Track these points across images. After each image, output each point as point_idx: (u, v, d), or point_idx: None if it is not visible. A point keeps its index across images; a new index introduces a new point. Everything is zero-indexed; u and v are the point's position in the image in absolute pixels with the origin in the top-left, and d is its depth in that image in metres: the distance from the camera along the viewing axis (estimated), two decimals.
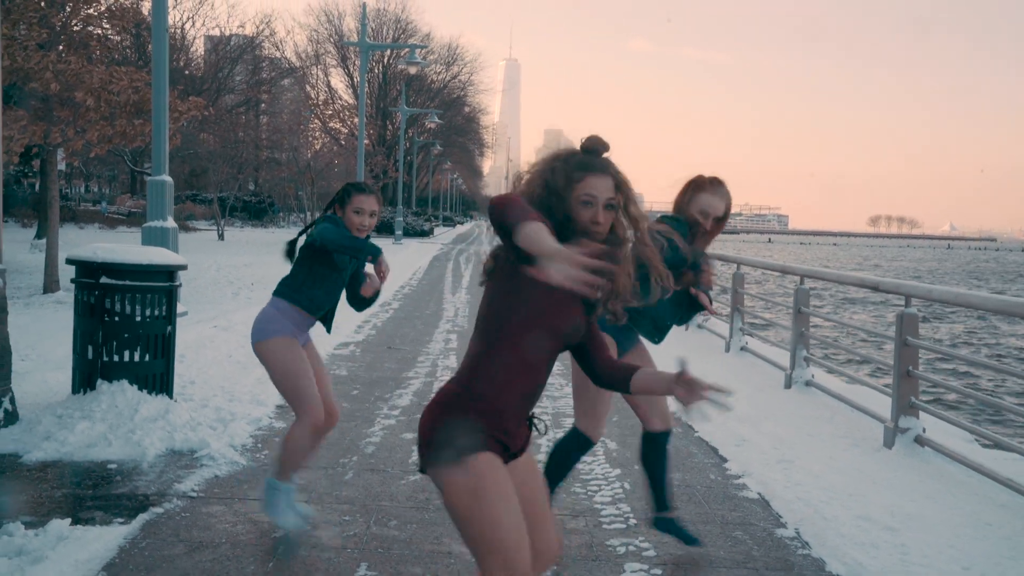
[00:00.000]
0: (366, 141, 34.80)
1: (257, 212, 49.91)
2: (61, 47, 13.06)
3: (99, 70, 12.90)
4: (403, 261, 25.72)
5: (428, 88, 58.73)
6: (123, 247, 6.10)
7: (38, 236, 23.91)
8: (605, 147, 2.66)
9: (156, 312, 6.05)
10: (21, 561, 3.62)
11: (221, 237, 34.49)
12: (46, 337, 9.01)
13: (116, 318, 5.90)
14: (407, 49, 29.68)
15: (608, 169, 2.61)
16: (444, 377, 8.48)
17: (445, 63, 60.22)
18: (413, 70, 25.55)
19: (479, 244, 45.76)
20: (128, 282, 5.90)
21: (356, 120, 46.55)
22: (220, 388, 7.05)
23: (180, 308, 8.60)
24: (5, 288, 5.85)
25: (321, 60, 52.12)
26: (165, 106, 10.04)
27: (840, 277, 7.51)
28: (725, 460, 6.03)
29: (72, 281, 6.05)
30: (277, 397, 7.05)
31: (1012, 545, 4.51)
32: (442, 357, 9.76)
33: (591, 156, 2.64)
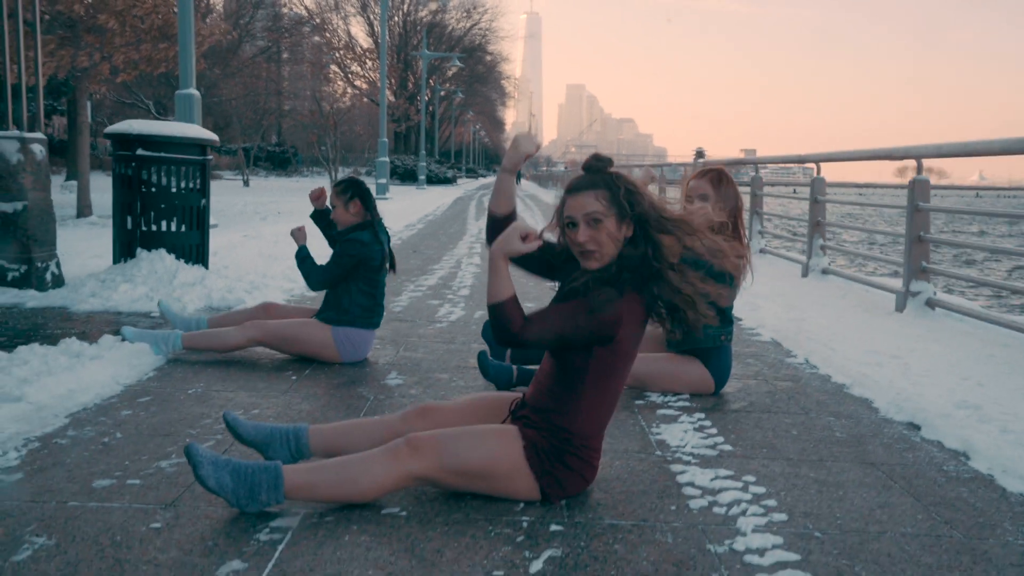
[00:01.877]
0: (387, 92, 34.87)
1: (281, 162, 50.19)
2: None
3: None
4: (426, 200, 25.96)
5: (449, 36, 58.38)
6: (158, 122, 6.34)
7: (68, 179, 24.35)
8: (595, 164, 2.62)
9: (191, 184, 6.31)
10: (81, 359, 3.91)
11: (247, 184, 34.77)
12: (85, 242, 9.33)
13: (153, 189, 6.17)
14: None
15: (590, 185, 2.56)
16: (469, 271, 8.72)
17: (465, 9, 59.82)
18: (434, 5, 25.42)
19: None
20: (163, 154, 6.16)
21: (377, 70, 46.52)
22: (252, 269, 7.32)
23: (211, 220, 8.88)
24: (47, 159, 6.12)
25: (340, 8, 51.89)
26: (191, 18, 10.21)
27: (853, 154, 7.62)
28: (740, 319, 6.23)
29: (109, 155, 6.31)
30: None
31: (1011, 368, 4.68)
32: (466, 258, 10.00)
33: (580, 176, 2.64)
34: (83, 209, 14.00)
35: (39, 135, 6.12)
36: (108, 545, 2.23)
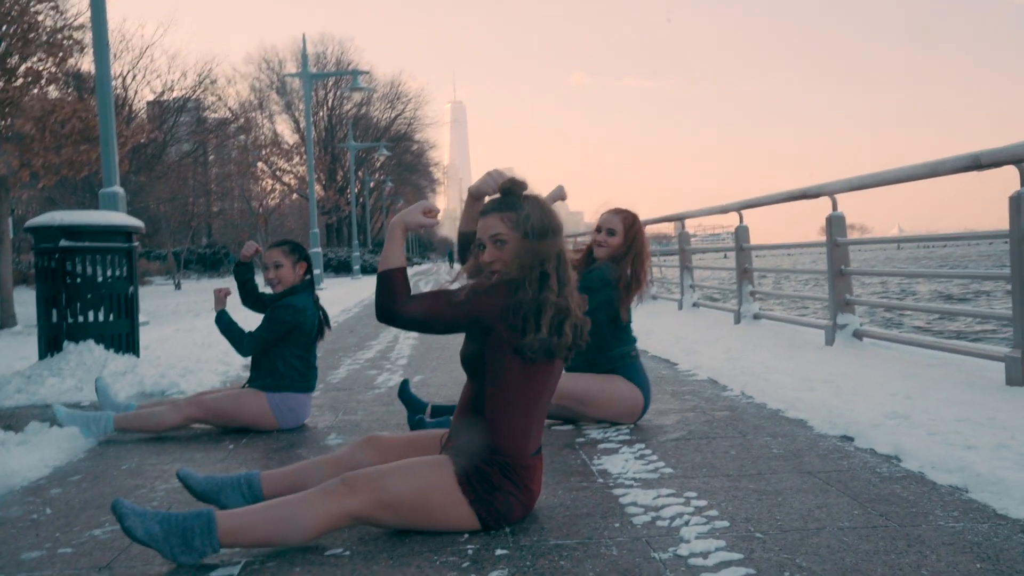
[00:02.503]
0: (317, 186, 35.18)
1: (213, 263, 49.63)
2: (0, 81, 13.17)
3: (41, 98, 13.03)
4: (362, 287, 25.89)
5: (375, 127, 59.13)
6: (81, 212, 6.30)
7: None
8: (509, 187, 2.71)
9: (117, 272, 6.24)
10: (6, 446, 3.80)
11: (178, 287, 34.31)
12: (10, 349, 9.09)
13: (78, 279, 6.08)
14: (351, 77, 30.01)
15: (499, 208, 2.66)
16: (407, 344, 8.71)
17: (389, 101, 60.77)
18: (358, 96, 25.84)
19: (438, 276, 46.09)
20: (88, 243, 6.10)
21: (304, 164, 46.80)
22: (186, 356, 7.21)
23: (141, 318, 8.73)
24: None
25: (265, 107, 52.36)
26: (111, 115, 10.22)
27: (771, 198, 7.89)
28: (676, 364, 6.33)
29: (32, 249, 6.22)
30: (242, 361, 7.25)
31: (936, 383, 4.84)
32: (403, 335, 9.99)
33: (493, 200, 2.74)
34: (6, 320, 13.65)
35: None
36: None
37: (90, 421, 4.16)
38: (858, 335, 6.65)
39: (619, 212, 4.24)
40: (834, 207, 6.87)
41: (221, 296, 4.48)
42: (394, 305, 2.54)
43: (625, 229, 4.23)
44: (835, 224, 6.88)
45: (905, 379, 4.99)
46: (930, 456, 3.26)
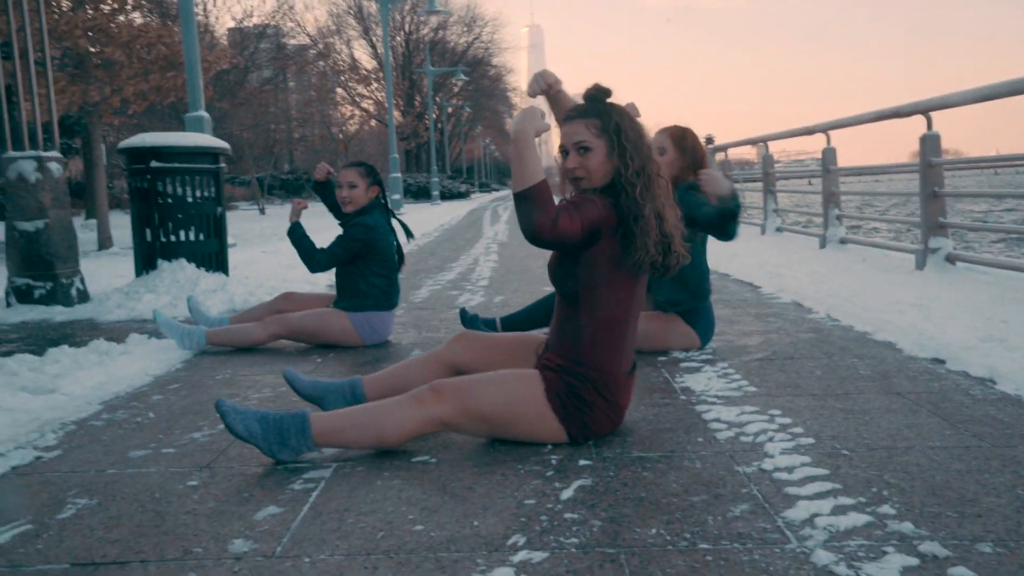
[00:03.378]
0: (395, 112, 35.18)
1: (295, 189, 50.51)
2: (89, 8, 13.44)
3: (127, 24, 13.27)
4: (441, 212, 26.11)
5: (452, 52, 58.63)
6: (169, 134, 6.45)
7: (87, 217, 24.65)
8: (593, 94, 2.64)
9: (206, 193, 6.40)
10: (111, 355, 3.99)
11: (262, 212, 35.05)
12: (109, 267, 9.46)
13: (169, 200, 6.26)
14: (426, 1, 29.72)
15: (583, 114, 2.61)
16: (487, 266, 8.76)
17: (466, 24, 60.04)
18: (435, 20, 25.60)
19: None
20: (177, 164, 6.25)
21: (383, 90, 46.85)
22: (272, 276, 7.40)
23: (229, 240, 8.97)
24: (65, 178, 6.23)
25: (343, 33, 52.27)
26: (195, 41, 10.36)
27: (860, 118, 7.60)
28: (759, 287, 6.23)
29: (124, 170, 6.40)
30: (327, 279, 7.41)
31: None
32: (483, 256, 10.05)
33: (577, 105, 2.67)
34: (104, 242, 14.19)
35: (56, 154, 6.24)
36: (148, 501, 2.27)
37: (184, 334, 4.33)
38: (951, 259, 6.44)
39: (665, 129, 4.09)
40: (928, 126, 6.59)
41: (297, 208, 4.57)
42: (547, 222, 2.40)
43: (675, 142, 4.02)
44: (929, 143, 6.61)
45: (1001, 304, 4.82)
46: None
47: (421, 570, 1.81)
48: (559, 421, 2.59)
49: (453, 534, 1.99)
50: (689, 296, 4.04)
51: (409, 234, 4.69)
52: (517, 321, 4.29)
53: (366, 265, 4.45)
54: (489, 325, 4.31)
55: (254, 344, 4.42)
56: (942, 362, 3.61)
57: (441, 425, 2.56)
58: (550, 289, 6.65)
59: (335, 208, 4.80)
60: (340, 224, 4.71)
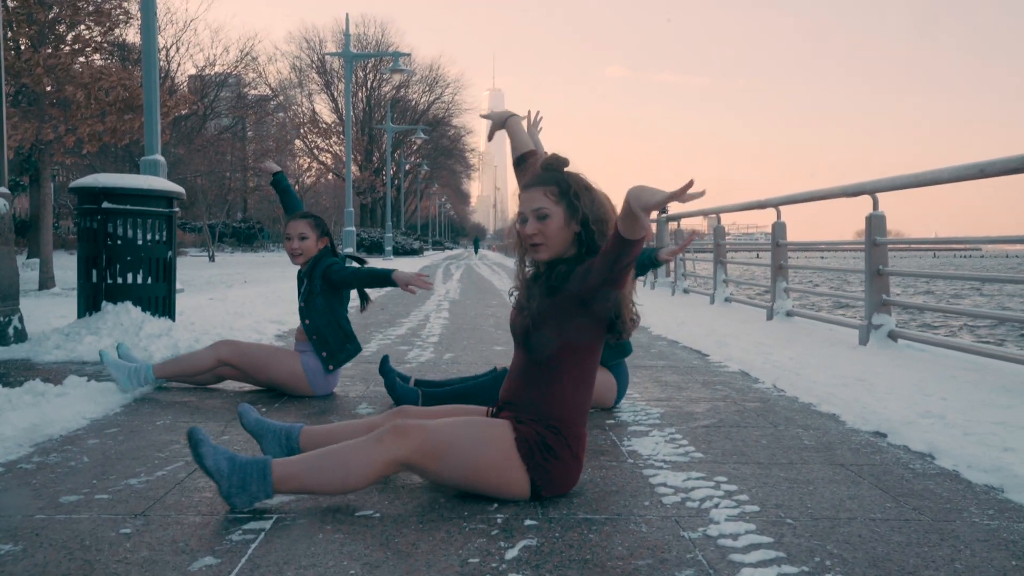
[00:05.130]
0: (353, 166, 35.21)
1: (247, 237, 50.14)
2: (49, 47, 13.35)
3: (88, 65, 13.19)
4: (394, 266, 26.07)
5: (413, 110, 59.26)
6: (124, 175, 6.37)
7: (29, 256, 24.14)
8: (550, 163, 2.73)
9: (157, 237, 6.31)
10: (46, 396, 3.86)
11: (212, 259, 34.68)
12: (49, 308, 9.24)
13: (119, 242, 6.16)
14: (391, 58, 30.07)
15: (541, 182, 2.67)
16: (437, 323, 8.73)
17: (428, 84, 60.86)
18: (398, 78, 25.90)
19: (469, 259, 46.21)
20: (129, 206, 6.16)
21: (342, 144, 47.03)
22: (220, 324, 7.29)
23: (177, 286, 8.85)
24: (11, 214, 6.10)
25: (304, 86, 52.61)
26: (155, 83, 10.33)
27: (811, 194, 7.81)
28: (708, 355, 6.30)
29: (74, 209, 6.30)
30: (275, 329, 7.33)
31: (972, 386, 4.77)
32: (434, 313, 10.02)
33: (536, 174, 2.75)
34: (46, 282, 13.87)
35: (3, 190, 6.12)
36: (77, 549, 2.19)
37: (131, 372, 4.24)
38: (893, 336, 6.58)
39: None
40: (875, 206, 6.79)
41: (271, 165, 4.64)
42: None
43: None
44: (875, 223, 6.80)
45: (941, 381, 4.92)
46: (965, 455, 3.23)
47: None
48: (525, 471, 2.57)
49: None
50: (614, 352, 4.10)
51: (362, 263, 4.64)
52: (436, 395, 4.05)
53: (343, 306, 4.43)
54: (404, 381, 4.15)
55: (201, 371, 4.34)
56: (883, 435, 3.66)
57: (404, 466, 2.54)
58: (500, 348, 6.65)
59: (289, 193, 4.80)
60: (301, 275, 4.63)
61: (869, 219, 6.81)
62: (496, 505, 2.58)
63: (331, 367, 4.38)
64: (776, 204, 8.65)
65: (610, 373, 4.15)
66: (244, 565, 2.09)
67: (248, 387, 4.58)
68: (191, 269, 23.90)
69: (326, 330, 4.38)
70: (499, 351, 6.56)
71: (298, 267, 4.58)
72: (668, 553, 2.22)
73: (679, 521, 2.48)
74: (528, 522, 2.44)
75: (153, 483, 2.78)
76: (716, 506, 2.63)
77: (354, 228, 26.47)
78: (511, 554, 2.19)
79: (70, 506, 2.54)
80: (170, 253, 6.41)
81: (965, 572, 2.12)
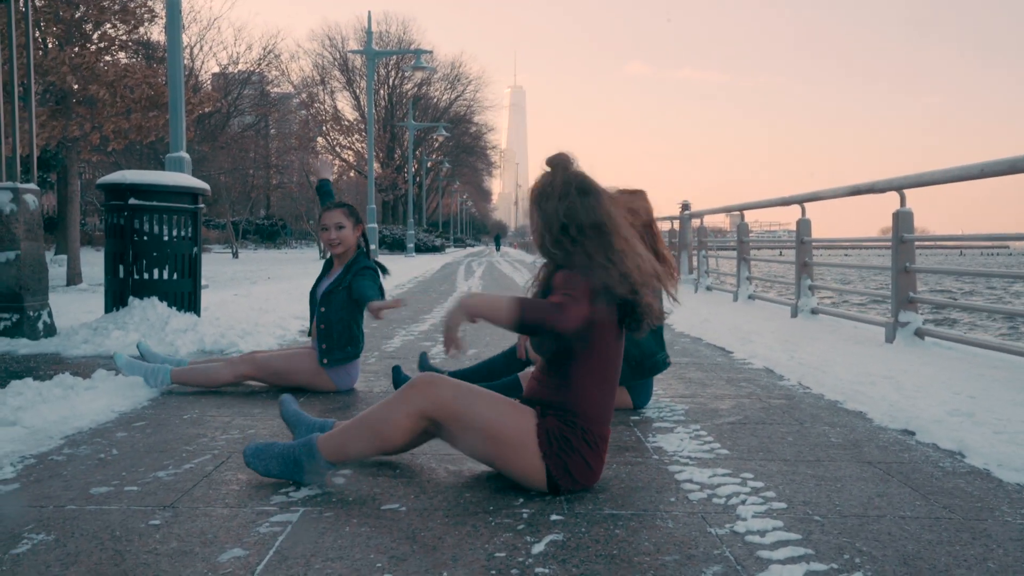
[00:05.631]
0: (375, 164, 35.25)
1: (270, 235, 50.47)
2: (76, 46, 13.48)
3: (113, 64, 13.31)
4: (416, 264, 26.16)
5: (434, 107, 59.40)
6: (150, 172, 6.43)
7: (56, 253, 24.43)
8: (549, 160, 2.78)
9: (183, 233, 6.36)
10: (75, 390, 3.91)
11: (236, 255, 34.93)
12: (77, 303, 9.34)
13: (145, 238, 6.21)
14: (413, 56, 30.12)
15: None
16: None
17: (449, 82, 60.97)
18: (420, 75, 25.92)
19: (490, 256, 46.28)
20: (155, 203, 6.22)
21: (363, 141, 47.20)
22: (244, 319, 7.33)
23: (202, 282, 8.94)
24: (40, 211, 6.17)
25: (327, 83, 52.84)
26: (180, 81, 10.40)
27: (836, 191, 7.74)
28: (731, 352, 6.27)
29: (101, 206, 6.36)
30: (299, 325, 7.36)
31: (1001, 385, 4.72)
32: None
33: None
34: (73, 277, 14.03)
35: (32, 186, 6.19)
36: (107, 539, 2.21)
37: (148, 373, 4.26)
38: (920, 334, 6.52)
39: (624, 192, 4.05)
40: (902, 203, 6.72)
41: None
42: (559, 318, 2.48)
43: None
44: (902, 220, 6.74)
45: (968, 379, 4.87)
46: (995, 454, 3.19)
47: None
48: (541, 458, 2.58)
49: None
50: (630, 373, 3.98)
51: (384, 270, 4.65)
52: (466, 376, 4.22)
53: (359, 311, 4.45)
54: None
55: (220, 384, 4.35)
56: (912, 433, 3.63)
57: (428, 422, 2.62)
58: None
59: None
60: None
61: (896, 215, 6.74)
62: (522, 500, 2.58)
63: (325, 361, 4.38)
64: (801, 201, 8.59)
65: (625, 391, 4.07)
66: (272, 558, 2.10)
67: (267, 386, 4.60)
68: (215, 265, 24.08)
69: (336, 325, 4.40)
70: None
71: (326, 258, 4.61)
72: (695, 549, 2.21)
73: (705, 517, 2.47)
74: (554, 517, 2.44)
75: (181, 476, 2.80)
76: (743, 503, 2.61)
77: (376, 225, 26.54)
78: (537, 548, 2.19)
79: (100, 497, 2.56)
80: (196, 249, 6.46)
81: (999, 572, 2.10)
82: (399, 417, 2.59)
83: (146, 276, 6.24)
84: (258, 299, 10.17)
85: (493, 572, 2.03)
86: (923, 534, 2.36)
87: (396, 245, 43.58)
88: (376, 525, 2.35)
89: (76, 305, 8.94)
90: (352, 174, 51.42)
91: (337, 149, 51.12)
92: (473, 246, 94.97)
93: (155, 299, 6.21)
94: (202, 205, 6.54)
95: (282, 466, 2.67)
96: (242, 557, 2.10)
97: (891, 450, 3.34)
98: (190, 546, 2.17)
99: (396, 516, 2.43)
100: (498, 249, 72.33)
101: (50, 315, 6.16)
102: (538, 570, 2.04)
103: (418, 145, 54.51)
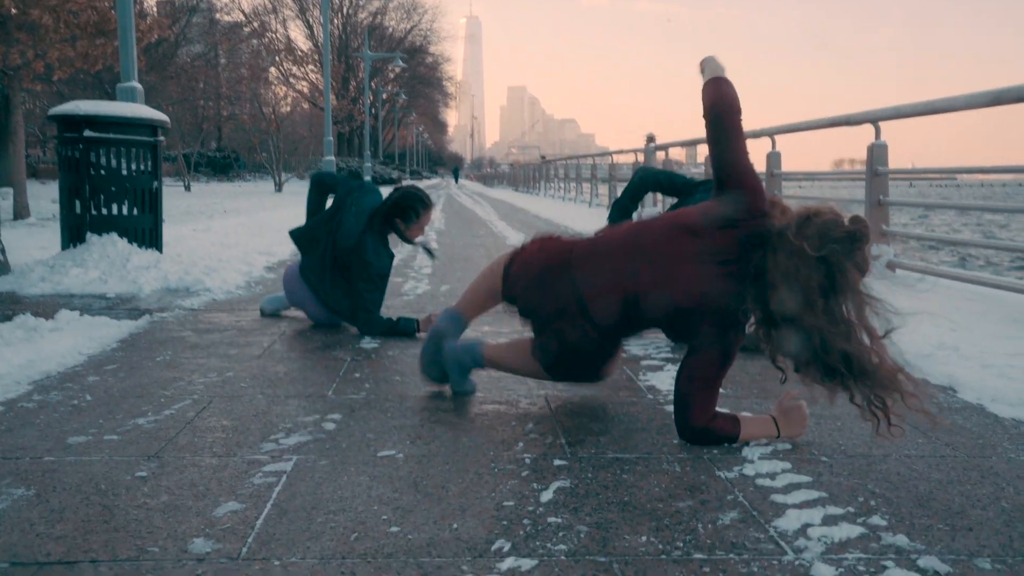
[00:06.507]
0: (331, 95, 34.34)
1: (223, 167, 49.24)
2: None
3: None
4: None
5: (390, 38, 57.91)
6: (106, 103, 6.13)
7: (0, 186, 23.62)
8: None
9: (142, 167, 6.10)
10: (39, 331, 3.73)
11: (188, 188, 34.10)
12: (28, 238, 9.01)
13: (102, 172, 5.95)
14: None
15: None
16: (423, 255, 8.58)
17: (405, 11, 59.41)
18: (375, 4, 25.19)
19: (448, 189, 45.82)
20: (112, 135, 5.94)
21: (318, 72, 46.06)
22: (207, 255, 7.12)
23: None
24: None
25: (278, 12, 51.16)
26: (130, 7, 9.92)
27: (811, 124, 7.66)
28: None
29: (55, 138, 6.06)
30: (264, 261, 7.17)
31: (978, 316, 4.74)
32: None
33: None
34: (20, 211, 13.54)
35: None
36: (93, 493, 2.09)
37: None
38: (891, 267, 6.53)
39: None
40: (877, 135, 6.67)
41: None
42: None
43: None
44: (876, 153, 6.69)
45: (947, 312, 4.87)
46: (987, 388, 3.18)
47: None
48: None
49: (432, 537, 1.86)
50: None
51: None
52: None
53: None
54: None
55: None
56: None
57: None
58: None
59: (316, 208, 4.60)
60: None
61: (871, 149, 6.69)
62: (521, 445, 2.51)
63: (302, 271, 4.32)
64: (772, 134, 8.50)
65: None
66: (270, 511, 1.99)
67: (245, 324, 4.45)
68: (168, 199, 23.38)
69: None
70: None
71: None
72: (707, 494, 2.15)
73: (712, 460, 2.41)
74: (557, 462, 2.37)
75: (162, 423, 2.67)
76: (746, 443, 2.56)
77: (332, 158, 26.02)
78: (546, 496, 2.11)
79: (79, 447, 2.43)
80: (156, 184, 6.21)
81: (1013, 510, 2.07)
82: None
83: (104, 212, 5.99)
84: (219, 234, 9.93)
85: (504, 522, 1.95)
86: (932, 473, 2.33)
87: (352, 178, 42.92)
88: (374, 475, 2.25)
89: (28, 240, 8.61)
90: (306, 106, 50.23)
91: (291, 80, 49.86)
92: (429, 178, 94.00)
93: (115, 235, 5.97)
94: (162, 138, 6.26)
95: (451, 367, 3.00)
96: (239, 511, 1.99)
97: None
98: (182, 499, 2.05)
99: (394, 463, 2.34)
100: (456, 181, 71.68)
101: (3, 252, 5.89)
102: (551, 519, 1.97)
103: (374, 76, 53.33)
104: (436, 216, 16.51)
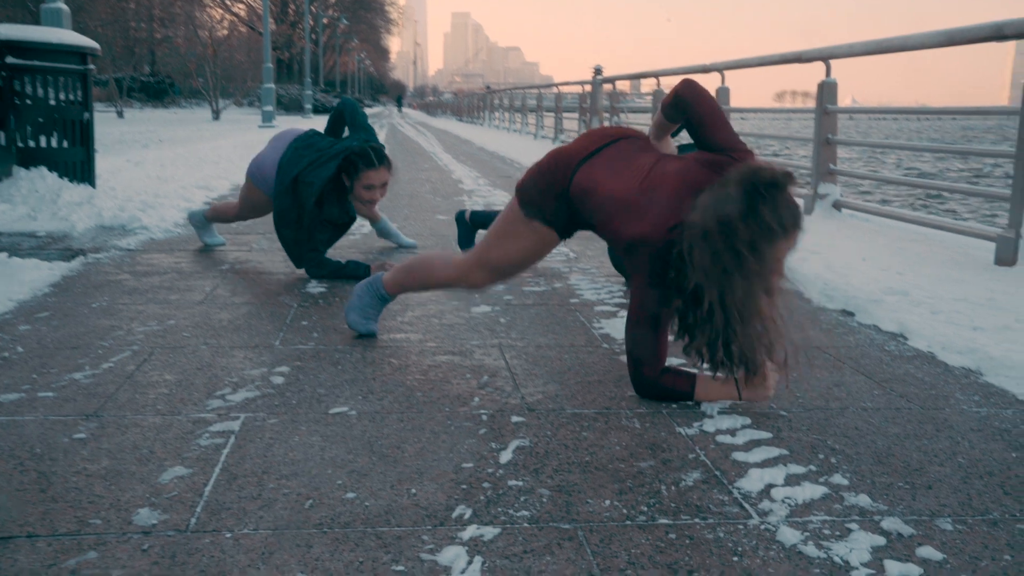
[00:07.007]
0: (270, 19, 33.06)
1: (156, 93, 47.58)
2: None
3: None
4: (312, 126, 25.15)
5: None
6: (30, 27, 5.79)
7: None
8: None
9: (71, 96, 5.81)
10: None
11: (121, 115, 32.91)
12: None
13: (28, 101, 5.65)
14: None
15: None
16: None
17: None
18: None
19: (391, 118, 45.01)
20: (38, 62, 5.62)
21: None
22: (143, 189, 6.86)
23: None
24: None
25: None
26: None
27: (762, 60, 7.60)
28: None
29: None
30: (203, 196, 6.95)
31: (923, 259, 4.78)
32: None
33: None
34: None
35: None
36: (28, 458, 1.98)
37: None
38: (837, 206, 6.57)
39: None
40: (827, 73, 6.64)
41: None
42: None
43: None
44: (827, 90, 6.67)
45: (892, 254, 4.92)
46: (937, 336, 3.20)
47: (361, 548, 1.62)
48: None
49: (390, 504, 1.80)
50: None
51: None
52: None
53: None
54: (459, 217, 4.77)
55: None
56: (851, 314, 3.63)
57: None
58: (442, 217, 6.44)
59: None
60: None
61: (821, 86, 6.67)
62: (477, 400, 2.45)
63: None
64: (721, 69, 8.42)
65: None
66: (219, 476, 1.91)
67: (185, 267, 4.29)
68: (100, 127, 22.54)
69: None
70: (442, 220, 6.35)
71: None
72: (669, 453, 2.12)
73: (671, 416, 2.38)
74: (515, 419, 2.31)
75: (100, 377, 2.55)
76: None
77: (272, 85, 25.29)
78: (506, 457, 2.06)
79: (11, 406, 2.30)
80: (87, 114, 5.92)
81: (969, 466, 2.08)
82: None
83: (32, 144, 5.70)
84: (154, 166, 9.58)
85: (464, 486, 1.89)
86: (888, 427, 2.33)
87: (292, 106, 41.80)
88: (327, 435, 2.17)
89: None
90: (244, 30, 48.59)
91: (228, 2, 48.09)
92: (371, 106, 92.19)
93: (44, 169, 5.70)
94: (92, 66, 5.94)
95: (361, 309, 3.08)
96: (186, 476, 1.90)
97: (836, 333, 3.33)
98: (124, 464, 1.96)
99: (347, 422, 2.26)
100: (400, 110, 70.42)
101: None
102: (511, 482, 1.92)
103: (313, 0, 51.70)
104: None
